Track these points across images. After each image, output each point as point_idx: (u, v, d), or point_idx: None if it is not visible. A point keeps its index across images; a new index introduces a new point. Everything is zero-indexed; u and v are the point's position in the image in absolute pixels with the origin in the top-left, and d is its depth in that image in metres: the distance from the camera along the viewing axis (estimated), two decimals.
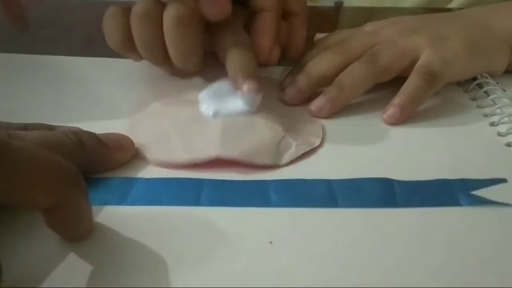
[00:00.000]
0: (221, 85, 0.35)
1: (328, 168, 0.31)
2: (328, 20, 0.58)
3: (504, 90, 0.39)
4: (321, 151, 0.33)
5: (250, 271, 0.24)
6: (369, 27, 0.42)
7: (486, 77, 0.40)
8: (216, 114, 0.33)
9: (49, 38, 0.51)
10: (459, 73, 0.39)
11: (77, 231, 0.25)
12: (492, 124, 0.36)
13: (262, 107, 0.35)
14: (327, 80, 0.38)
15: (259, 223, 0.27)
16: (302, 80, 0.38)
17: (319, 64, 0.39)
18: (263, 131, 0.33)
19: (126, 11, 0.36)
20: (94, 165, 0.30)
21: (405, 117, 0.36)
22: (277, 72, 0.43)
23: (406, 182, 0.30)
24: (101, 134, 0.30)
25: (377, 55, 0.37)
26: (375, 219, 0.27)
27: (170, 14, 0.35)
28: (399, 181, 0.30)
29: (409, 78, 0.37)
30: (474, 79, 0.40)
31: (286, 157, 0.32)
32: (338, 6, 0.65)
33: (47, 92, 0.40)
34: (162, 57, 0.37)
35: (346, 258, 0.25)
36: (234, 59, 0.35)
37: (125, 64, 0.42)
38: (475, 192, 0.29)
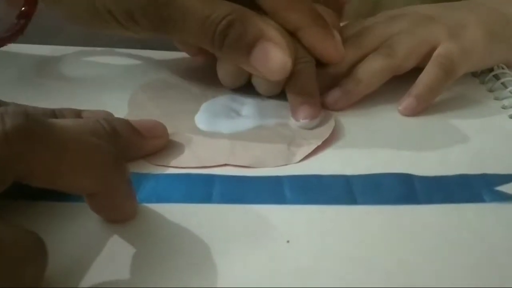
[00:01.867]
0: (220, 100, 0.35)
1: (344, 163, 0.30)
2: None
3: None
4: (336, 146, 0.32)
5: (267, 272, 0.23)
6: (383, 17, 0.40)
7: (503, 68, 0.39)
8: (209, 129, 0.32)
9: (48, 30, 0.49)
10: (477, 63, 0.38)
11: (120, 213, 0.25)
12: (511, 117, 0.35)
13: (272, 112, 0.34)
14: (344, 75, 0.36)
15: (275, 221, 0.26)
16: (319, 75, 0.36)
17: None
18: (271, 139, 0.32)
19: None
20: (127, 152, 0.28)
21: (422, 108, 0.35)
22: None
23: (427, 177, 0.29)
24: (134, 121, 0.29)
25: (393, 47, 0.36)
26: (397, 216, 0.26)
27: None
28: (419, 177, 0.29)
29: (426, 68, 0.36)
30: (491, 70, 0.39)
31: (299, 155, 0.30)
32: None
33: (44, 81, 0.39)
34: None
35: (367, 257, 0.23)
36: (295, 81, 0.34)
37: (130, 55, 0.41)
38: (499, 188, 0.28)
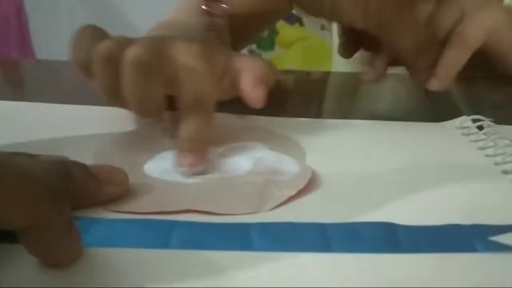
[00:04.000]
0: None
1: (321, 212, 0.27)
2: (317, 86, 0.56)
3: None
4: (313, 194, 0.29)
5: None
6: None
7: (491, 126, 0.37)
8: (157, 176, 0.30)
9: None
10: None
11: (58, 255, 0.22)
12: (505, 172, 0.32)
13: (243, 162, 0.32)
14: None
15: (239, 268, 0.22)
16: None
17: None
18: (242, 186, 0.29)
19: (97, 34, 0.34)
20: (81, 198, 0.26)
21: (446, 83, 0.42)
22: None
23: (412, 226, 0.26)
24: (93, 166, 0.27)
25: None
26: (376, 265, 0.23)
27: (128, 57, 0.31)
28: (403, 226, 0.26)
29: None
30: (480, 128, 0.37)
31: (271, 203, 0.28)
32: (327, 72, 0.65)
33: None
34: (120, 100, 0.33)
35: None
36: (184, 124, 0.32)
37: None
38: (492, 238, 0.25)
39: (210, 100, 0.33)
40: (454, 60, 0.41)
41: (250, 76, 0.35)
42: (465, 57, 0.41)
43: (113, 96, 0.33)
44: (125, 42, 0.32)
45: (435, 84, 0.41)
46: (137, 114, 0.33)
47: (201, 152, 0.31)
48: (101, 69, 0.32)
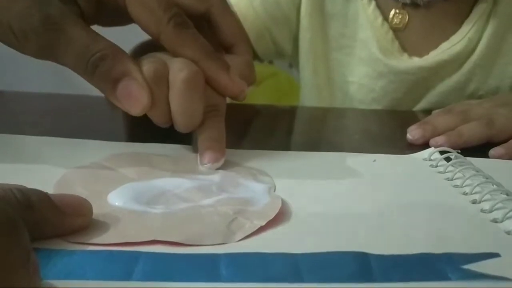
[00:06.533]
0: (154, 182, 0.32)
1: (291, 242, 0.26)
2: (285, 119, 0.56)
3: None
4: (283, 225, 0.28)
5: None
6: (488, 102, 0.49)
7: (458, 157, 0.37)
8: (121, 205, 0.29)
9: None
10: None
11: None
12: (473, 202, 0.32)
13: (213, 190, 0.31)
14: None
15: None
16: (427, 128, 0.44)
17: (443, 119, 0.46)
18: (210, 216, 0.28)
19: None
20: (41, 229, 0.25)
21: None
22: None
23: (384, 256, 0.25)
24: (56, 195, 0.25)
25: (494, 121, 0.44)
26: None
27: (180, 77, 0.34)
28: (375, 255, 0.25)
29: None
30: (448, 160, 0.37)
31: (240, 234, 0.27)
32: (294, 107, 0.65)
33: None
34: (168, 118, 0.36)
35: None
36: (204, 127, 0.36)
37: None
38: (465, 267, 0.25)
39: (224, 105, 0.38)
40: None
41: (233, 71, 0.38)
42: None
43: (161, 112, 0.35)
44: (163, 61, 0.35)
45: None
46: (183, 128, 0.36)
47: (221, 149, 0.36)
48: (153, 87, 0.34)
